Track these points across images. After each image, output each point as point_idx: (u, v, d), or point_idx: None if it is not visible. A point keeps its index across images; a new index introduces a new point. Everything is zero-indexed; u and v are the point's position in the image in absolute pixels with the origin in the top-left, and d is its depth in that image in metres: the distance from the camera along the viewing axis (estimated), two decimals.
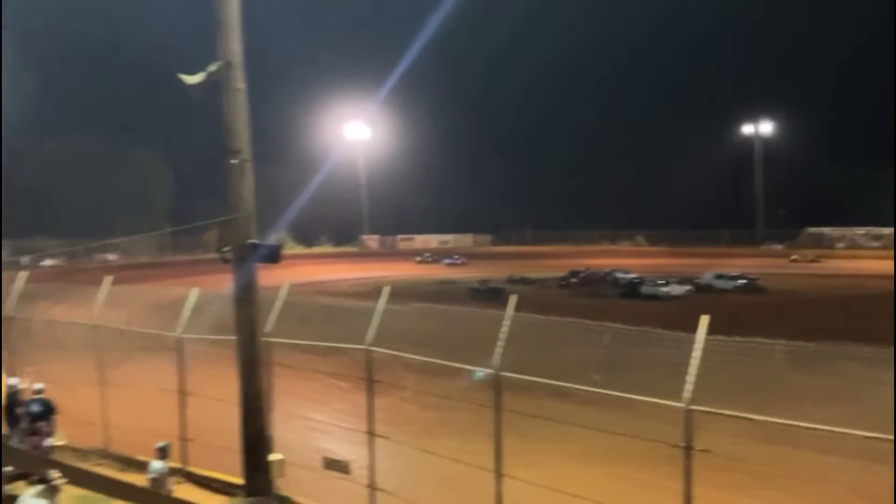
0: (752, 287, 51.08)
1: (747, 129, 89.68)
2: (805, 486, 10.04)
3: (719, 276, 53.26)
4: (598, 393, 8.65)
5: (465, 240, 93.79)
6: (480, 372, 12.42)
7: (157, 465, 10.32)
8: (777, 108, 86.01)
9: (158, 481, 10.18)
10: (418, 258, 75.90)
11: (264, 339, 10.56)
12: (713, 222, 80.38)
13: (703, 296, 47.34)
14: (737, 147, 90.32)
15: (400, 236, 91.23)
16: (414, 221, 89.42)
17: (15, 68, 72.73)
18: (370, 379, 10.19)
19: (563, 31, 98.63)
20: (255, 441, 10.05)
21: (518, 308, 9.09)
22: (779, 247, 76.58)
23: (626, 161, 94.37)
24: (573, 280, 56.48)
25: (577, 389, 8.92)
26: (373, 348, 10.13)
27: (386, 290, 10.54)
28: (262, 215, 10.16)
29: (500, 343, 8.85)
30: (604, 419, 10.07)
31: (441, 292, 46.58)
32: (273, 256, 9.87)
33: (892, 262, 51.31)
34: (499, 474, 8.85)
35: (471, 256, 78.55)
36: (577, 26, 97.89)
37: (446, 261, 73.93)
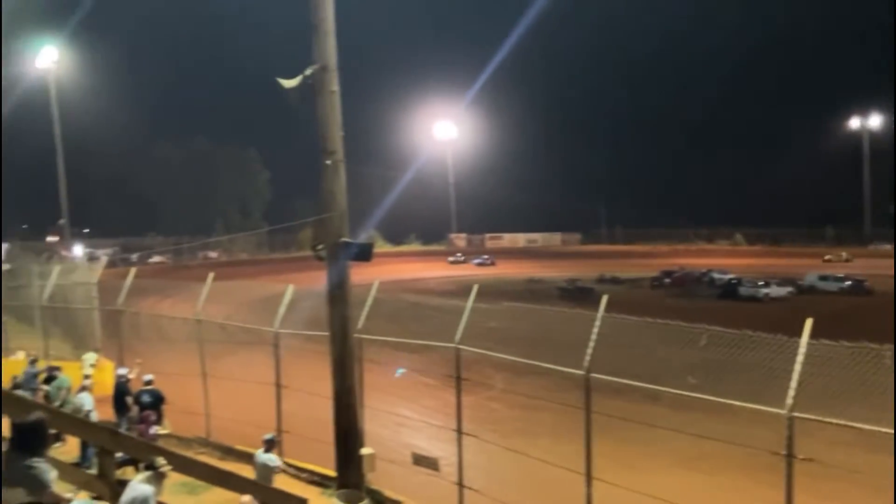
0: (860, 289, 48.18)
1: (854, 122, 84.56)
2: None
3: (823, 278, 50.51)
4: (694, 397, 8.35)
5: (553, 238, 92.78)
6: (401, 370, 12.50)
7: (273, 457, 10.46)
8: (887, 100, 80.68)
9: (275, 471, 10.34)
10: (451, 258, 74.38)
11: (356, 335, 10.76)
12: (818, 220, 76.34)
13: (806, 297, 45.02)
14: (843, 141, 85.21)
15: (488, 235, 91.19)
16: (502, 220, 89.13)
17: (127, 76, 77.28)
18: (458, 377, 10.20)
19: (657, 24, 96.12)
20: (347, 435, 10.26)
21: (608, 308, 8.90)
22: (887, 247, 71.83)
23: (723, 156, 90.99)
24: (666, 280, 54.82)
25: (672, 393, 8.65)
26: (461, 346, 10.14)
27: (474, 289, 10.54)
28: (352, 214, 10.36)
29: (591, 343, 8.69)
30: (700, 424, 9.74)
31: (529, 291, 46.24)
32: (365, 254, 10.04)
33: None
34: (589, 477, 8.69)
35: (556, 256, 77.49)
36: (671, 20, 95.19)
37: (475, 261, 72.23)
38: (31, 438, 5.24)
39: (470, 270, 65.87)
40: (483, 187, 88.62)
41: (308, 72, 9.58)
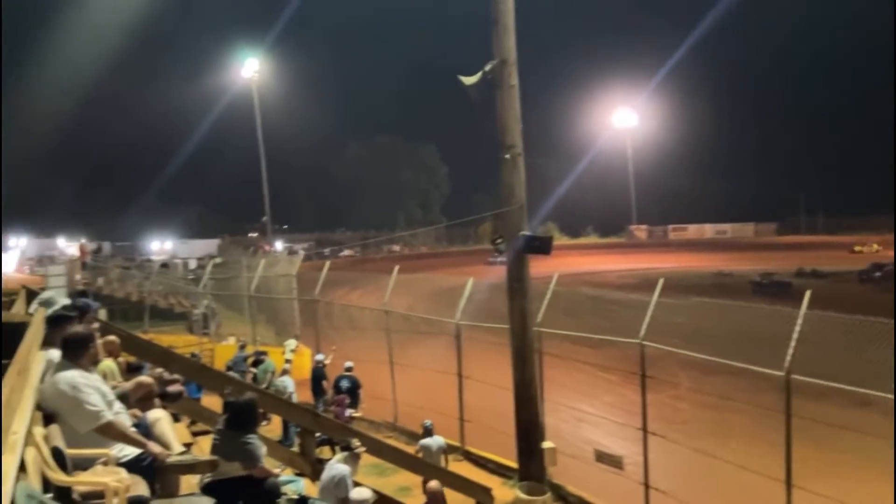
0: None
1: None
2: None
3: None
4: None
5: (745, 229, 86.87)
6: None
7: (441, 440, 10.99)
8: None
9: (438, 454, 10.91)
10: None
11: (535, 328, 10.76)
12: None
13: None
14: None
15: (671, 226, 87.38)
16: (688, 210, 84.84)
17: (319, 81, 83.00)
18: (643, 374, 9.87)
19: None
20: (528, 427, 10.31)
21: (810, 305, 8.18)
22: None
23: None
24: (877, 273, 49.22)
25: (886, 398, 7.78)
26: (646, 343, 9.80)
27: (659, 283, 10.14)
28: (529, 206, 10.37)
29: (792, 342, 8.04)
30: None
31: (717, 286, 43.73)
32: (544, 248, 10.02)
33: None
34: (789, 484, 8.06)
35: (748, 247, 72.47)
36: None
37: (499, 259, 62.05)
38: (245, 417, 5.78)
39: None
40: (667, 176, 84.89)
41: (488, 67, 9.70)
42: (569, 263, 56.82)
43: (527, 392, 10.29)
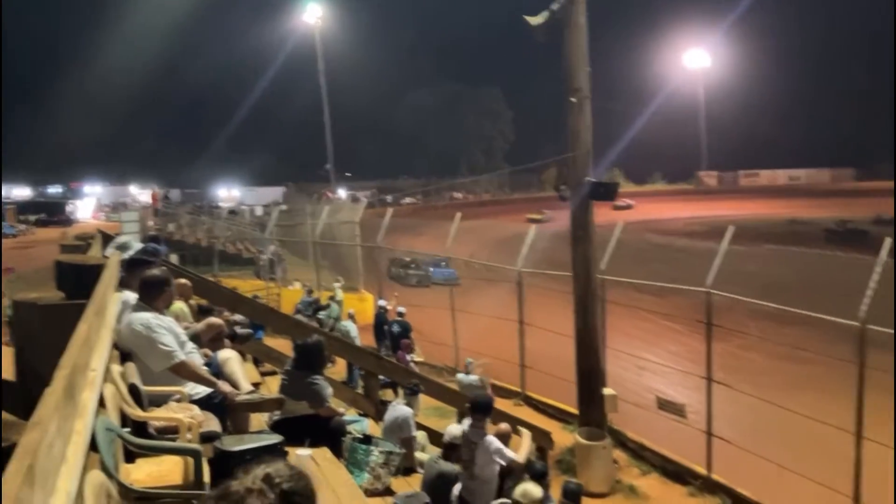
0: None
1: None
2: None
3: None
4: None
5: (820, 175, 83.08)
6: None
7: (475, 378, 11.38)
8: None
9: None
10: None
11: (598, 276, 10.63)
12: None
13: None
14: None
15: (742, 172, 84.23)
16: (761, 155, 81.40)
17: (381, 26, 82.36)
18: (709, 322, 9.66)
19: None
20: (589, 374, 10.29)
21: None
22: None
23: None
24: None
25: None
26: (713, 291, 9.56)
27: (729, 230, 9.83)
28: (595, 152, 10.12)
29: (868, 292, 7.71)
30: None
31: (791, 234, 42.20)
32: (609, 194, 9.81)
33: None
34: (859, 436, 7.85)
35: (823, 194, 69.29)
36: None
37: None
38: (313, 358, 5.93)
39: None
40: (739, 120, 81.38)
41: (555, 6, 9.38)
42: (634, 211, 55.83)
43: (589, 339, 10.24)
